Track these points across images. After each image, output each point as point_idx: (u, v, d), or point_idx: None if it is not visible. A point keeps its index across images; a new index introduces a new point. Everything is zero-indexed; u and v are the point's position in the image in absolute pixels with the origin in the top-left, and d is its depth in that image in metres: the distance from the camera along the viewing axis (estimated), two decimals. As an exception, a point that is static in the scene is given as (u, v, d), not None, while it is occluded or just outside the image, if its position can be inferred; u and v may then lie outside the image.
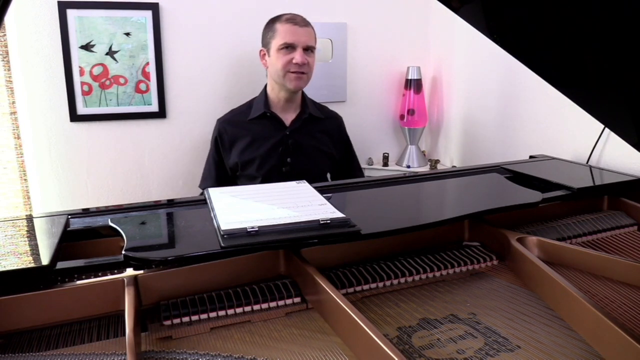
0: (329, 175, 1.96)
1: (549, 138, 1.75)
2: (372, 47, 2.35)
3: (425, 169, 2.37)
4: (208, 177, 1.87)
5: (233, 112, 1.88)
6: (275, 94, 1.80)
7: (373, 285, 0.94)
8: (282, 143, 1.78)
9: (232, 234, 0.88)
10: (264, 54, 1.79)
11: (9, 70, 1.89)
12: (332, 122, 1.92)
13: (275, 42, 1.72)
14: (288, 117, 1.81)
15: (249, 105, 1.86)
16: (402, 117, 2.36)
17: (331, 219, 0.93)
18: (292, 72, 1.71)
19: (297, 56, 1.69)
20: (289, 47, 1.71)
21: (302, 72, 1.71)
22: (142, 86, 2.04)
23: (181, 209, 1.15)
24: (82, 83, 1.96)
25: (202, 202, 1.13)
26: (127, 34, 1.98)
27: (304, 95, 1.86)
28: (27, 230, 1.02)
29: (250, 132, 1.79)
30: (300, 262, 0.89)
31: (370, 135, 2.41)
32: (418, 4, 2.38)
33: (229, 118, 1.85)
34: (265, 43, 1.78)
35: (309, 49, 1.73)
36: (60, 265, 0.87)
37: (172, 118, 2.12)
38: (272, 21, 1.77)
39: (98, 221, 1.06)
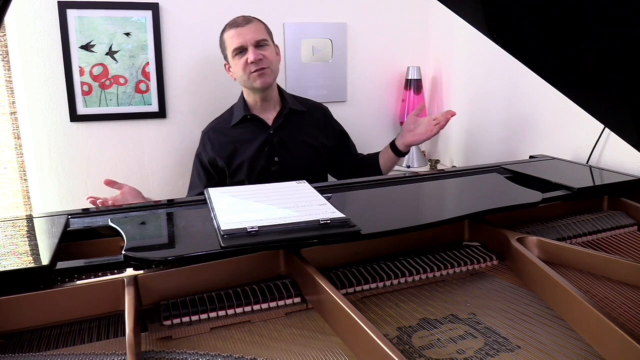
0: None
1: (549, 138, 1.75)
2: (372, 47, 2.34)
3: (425, 169, 2.37)
4: (194, 187, 1.84)
5: (216, 120, 1.87)
6: (251, 98, 1.79)
7: (373, 285, 0.94)
8: (267, 143, 1.77)
9: (232, 234, 0.88)
10: (229, 67, 1.79)
11: (9, 70, 1.89)
12: (317, 112, 1.88)
13: (229, 52, 1.73)
14: (269, 117, 1.80)
15: (230, 112, 1.85)
16: (402, 123, 2.37)
17: (331, 219, 0.93)
18: (253, 72, 1.69)
19: (250, 55, 1.67)
20: (240, 50, 1.70)
21: (262, 67, 1.69)
22: (142, 86, 2.04)
23: (181, 209, 1.15)
24: (82, 83, 1.96)
25: (202, 202, 1.13)
26: (127, 34, 1.98)
27: (281, 91, 1.84)
28: (27, 230, 1.02)
29: (235, 137, 1.78)
30: (300, 262, 0.89)
31: (370, 135, 2.41)
32: (418, 4, 2.38)
33: (213, 126, 1.84)
34: (224, 56, 1.78)
35: (260, 44, 1.70)
36: (60, 265, 0.87)
37: (172, 118, 2.11)
38: (221, 34, 1.77)
39: (98, 221, 1.06)
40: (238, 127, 1.79)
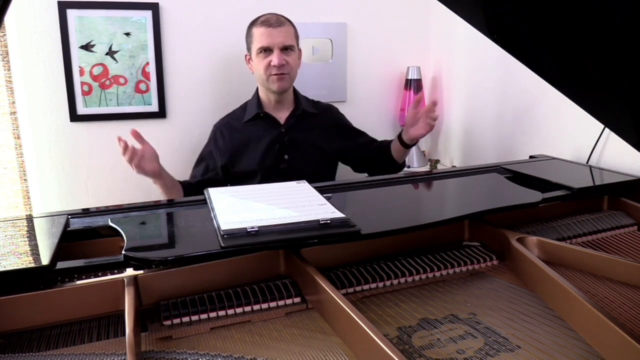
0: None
1: (549, 138, 1.75)
2: (372, 47, 2.34)
3: (425, 169, 2.37)
4: (197, 174, 1.84)
5: (228, 116, 1.88)
6: (266, 96, 1.81)
7: (373, 285, 0.94)
8: (278, 141, 1.79)
9: (232, 234, 0.88)
10: (249, 59, 1.80)
11: (9, 70, 1.89)
12: (326, 114, 1.91)
13: (254, 47, 1.74)
14: (282, 116, 1.82)
15: (243, 108, 1.87)
16: (402, 125, 2.37)
17: (331, 219, 0.93)
18: (273, 75, 1.71)
19: (274, 58, 1.69)
20: (266, 50, 1.71)
21: (283, 72, 1.71)
22: (142, 86, 2.04)
23: (181, 209, 1.15)
24: (82, 83, 1.96)
25: (202, 202, 1.13)
26: (127, 34, 1.98)
27: (296, 93, 1.86)
28: (27, 230, 1.02)
29: (246, 133, 1.80)
30: (300, 262, 0.89)
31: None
32: (418, 4, 2.38)
33: (225, 122, 1.86)
34: (248, 48, 1.80)
35: (287, 49, 1.72)
36: (60, 265, 0.87)
37: (172, 118, 2.11)
38: (250, 25, 1.78)
39: (98, 221, 1.06)
40: (250, 123, 1.81)
